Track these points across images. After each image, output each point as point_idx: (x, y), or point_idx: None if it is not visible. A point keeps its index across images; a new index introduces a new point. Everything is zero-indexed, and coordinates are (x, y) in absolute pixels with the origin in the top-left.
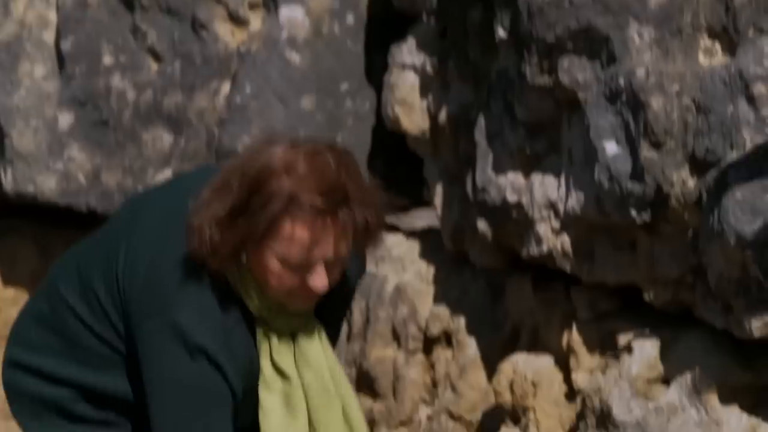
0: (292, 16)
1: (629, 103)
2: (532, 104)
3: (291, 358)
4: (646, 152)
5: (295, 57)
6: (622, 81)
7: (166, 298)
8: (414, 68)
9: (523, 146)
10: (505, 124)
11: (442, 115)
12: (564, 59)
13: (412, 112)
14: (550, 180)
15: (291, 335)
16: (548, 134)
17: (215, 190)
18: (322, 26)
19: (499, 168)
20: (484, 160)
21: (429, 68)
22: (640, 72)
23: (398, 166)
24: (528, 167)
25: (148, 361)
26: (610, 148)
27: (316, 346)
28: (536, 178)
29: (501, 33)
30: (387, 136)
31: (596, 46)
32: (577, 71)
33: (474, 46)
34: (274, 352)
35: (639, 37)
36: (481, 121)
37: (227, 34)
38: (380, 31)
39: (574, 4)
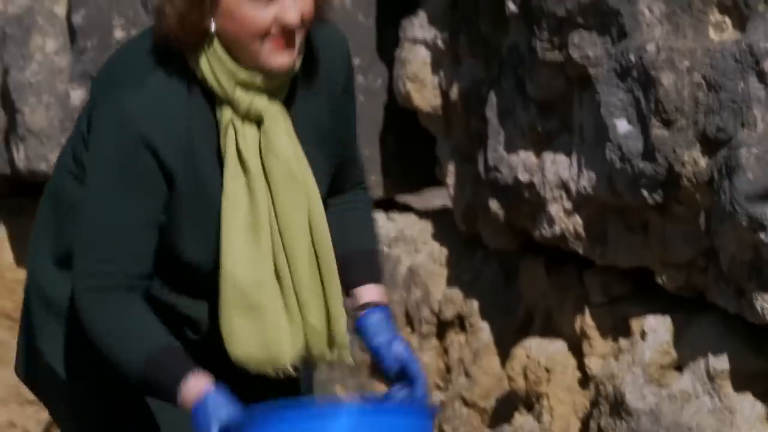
0: None
1: (640, 79)
2: (543, 81)
3: (256, 146)
4: (657, 130)
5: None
6: (632, 57)
7: (119, 82)
8: (425, 43)
9: (534, 124)
10: (517, 102)
11: (454, 92)
12: (574, 34)
13: (423, 88)
14: (561, 159)
15: (257, 124)
16: (560, 112)
17: None
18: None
19: (511, 146)
20: (496, 138)
21: (440, 43)
22: (651, 47)
23: (411, 144)
24: (540, 146)
25: (89, 145)
26: (621, 126)
27: (283, 135)
28: (548, 156)
29: (511, 7)
30: (399, 112)
31: (607, 20)
32: (587, 46)
33: (485, 20)
34: (239, 139)
35: (649, 11)
36: (493, 98)
37: None
38: (391, 5)
39: None
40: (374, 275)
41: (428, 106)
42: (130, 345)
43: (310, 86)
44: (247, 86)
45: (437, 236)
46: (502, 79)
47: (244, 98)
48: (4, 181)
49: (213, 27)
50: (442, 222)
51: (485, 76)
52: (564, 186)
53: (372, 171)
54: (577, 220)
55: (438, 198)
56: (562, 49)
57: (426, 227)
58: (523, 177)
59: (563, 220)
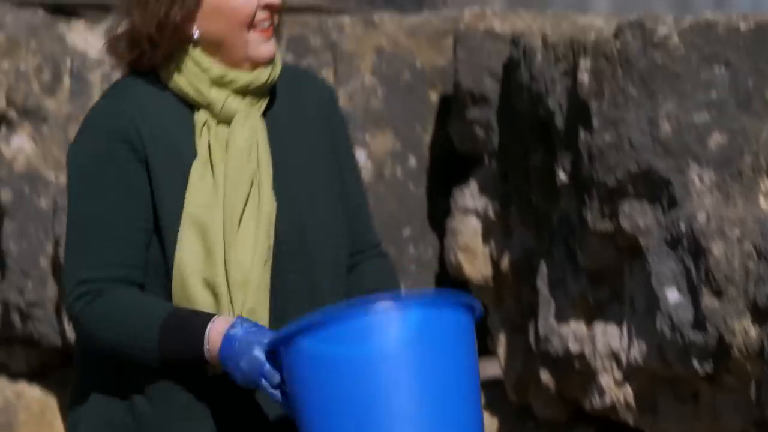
0: None
1: (690, 249)
2: (593, 251)
3: (224, 144)
4: (708, 300)
5: None
6: (683, 226)
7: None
8: (476, 213)
9: (585, 294)
10: (567, 272)
11: (505, 262)
12: (625, 204)
13: (474, 258)
14: (612, 329)
15: (229, 124)
16: (610, 282)
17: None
18: (384, 169)
19: (562, 317)
20: (547, 308)
21: (491, 213)
22: (701, 216)
23: None
24: (590, 316)
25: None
26: (672, 296)
27: (245, 131)
28: (598, 327)
29: (562, 176)
30: (450, 283)
31: (657, 189)
32: (638, 216)
33: (536, 190)
34: (212, 138)
35: (699, 180)
36: (543, 268)
37: None
38: (442, 174)
39: (634, 147)
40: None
41: (479, 277)
42: (137, 327)
43: (297, 105)
44: (221, 84)
45: (488, 407)
46: (553, 249)
47: (219, 97)
48: (56, 353)
49: (196, 32)
50: (493, 393)
51: (536, 246)
52: (615, 356)
53: None
54: (628, 391)
55: (489, 369)
56: (613, 219)
57: None
58: (574, 348)
59: (614, 390)
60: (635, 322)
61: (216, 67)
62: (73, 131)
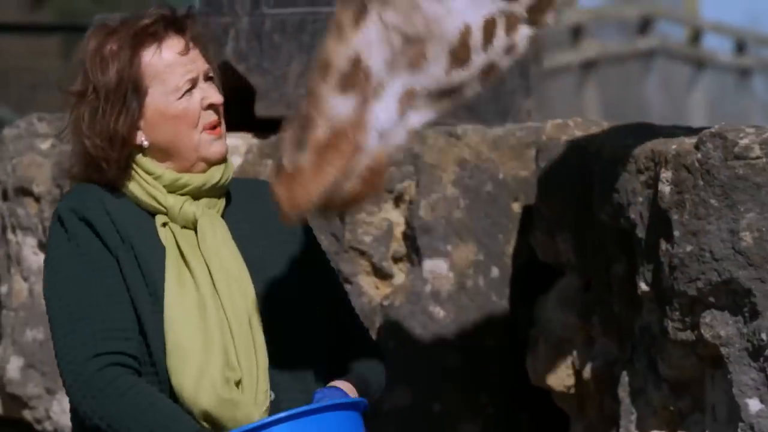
0: (435, 269)
1: None
2: (675, 361)
3: (195, 246)
4: None
5: (438, 311)
6: (764, 336)
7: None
8: (558, 323)
9: (666, 404)
10: (649, 381)
11: (587, 371)
12: (706, 314)
13: (557, 368)
14: None
15: (193, 226)
16: (692, 391)
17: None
18: (465, 280)
19: (643, 426)
20: (628, 418)
21: (574, 323)
22: None
23: (544, 424)
24: (672, 425)
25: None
26: (754, 405)
27: (218, 236)
28: None
29: (643, 286)
30: (532, 391)
31: (738, 300)
32: (719, 326)
33: (618, 300)
34: (179, 240)
35: None
36: (625, 378)
37: (371, 288)
38: (525, 284)
39: (715, 257)
40: (353, 378)
41: (562, 386)
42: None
43: (255, 207)
44: (175, 189)
45: None
46: (635, 358)
47: (176, 203)
48: None
49: (144, 141)
50: None
51: (618, 356)
52: None
53: None
54: None
55: None
56: (694, 329)
57: None
58: None
59: None
60: (717, 431)
61: (168, 173)
62: None
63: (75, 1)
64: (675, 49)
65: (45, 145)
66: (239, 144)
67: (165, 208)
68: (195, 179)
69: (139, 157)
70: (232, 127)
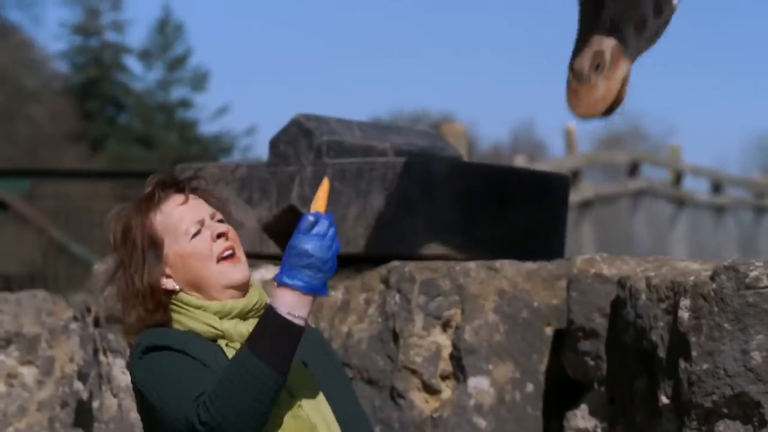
0: (478, 385)
1: None
2: None
3: None
4: None
5: (481, 422)
6: None
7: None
8: (586, 431)
9: None
10: None
11: None
12: (720, 423)
13: None
14: None
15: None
16: None
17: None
18: (505, 394)
19: None
20: None
21: (600, 431)
22: None
23: None
24: None
25: (142, 389)
26: None
27: None
28: None
29: (664, 399)
30: None
31: (749, 411)
32: None
33: (640, 411)
34: None
35: None
36: None
37: (422, 402)
38: (556, 398)
39: (729, 374)
40: None
41: None
42: (241, 376)
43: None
44: (224, 314)
45: None
46: None
47: (229, 325)
48: None
49: (174, 285)
50: None
51: None
52: None
53: None
54: None
55: None
56: None
57: None
58: None
59: None
60: None
61: (213, 303)
62: None
63: (128, 149)
64: (659, 189)
65: None
66: None
67: (221, 332)
68: (238, 303)
69: (181, 296)
70: None
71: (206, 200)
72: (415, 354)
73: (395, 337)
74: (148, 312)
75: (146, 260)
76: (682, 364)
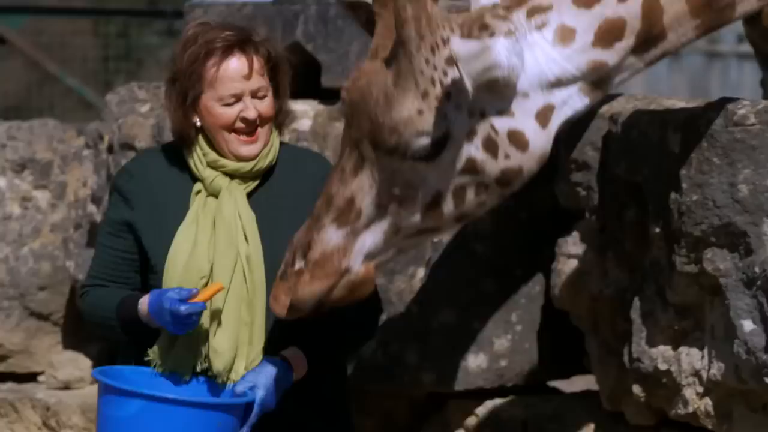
0: None
1: (763, 287)
2: (680, 289)
3: (212, 212)
4: None
5: (479, 247)
6: (757, 269)
7: None
8: (577, 257)
9: (672, 324)
10: (657, 305)
11: (602, 297)
12: (708, 251)
13: (575, 294)
14: (695, 352)
15: (217, 197)
16: (694, 314)
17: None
18: (501, 221)
19: (652, 342)
20: (639, 335)
21: (590, 257)
22: None
23: (563, 339)
24: (676, 341)
25: None
26: (747, 325)
27: (230, 203)
28: (683, 350)
29: (655, 229)
30: (554, 313)
31: (736, 240)
32: (719, 261)
33: (629, 239)
34: (199, 204)
35: None
36: (636, 303)
37: None
38: (549, 226)
39: (717, 205)
40: (302, 346)
41: (579, 309)
42: (108, 310)
43: (293, 180)
44: (213, 167)
45: (586, 413)
46: (645, 286)
47: (209, 175)
48: None
49: (198, 122)
50: (589, 401)
51: (629, 285)
52: (697, 374)
53: (531, 361)
54: (708, 402)
55: (585, 383)
56: (698, 263)
57: (574, 406)
58: (662, 366)
59: (696, 401)
60: (715, 347)
61: (212, 154)
62: None
63: None
64: None
65: (144, 108)
66: (308, 109)
67: (202, 177)
68: (228, 164)
69: (199, 137)
70: (302, 95)
71: (264, 73)
72: None
73: None
74: (179, 128)
75: (187, 94)
76: (673, 195)
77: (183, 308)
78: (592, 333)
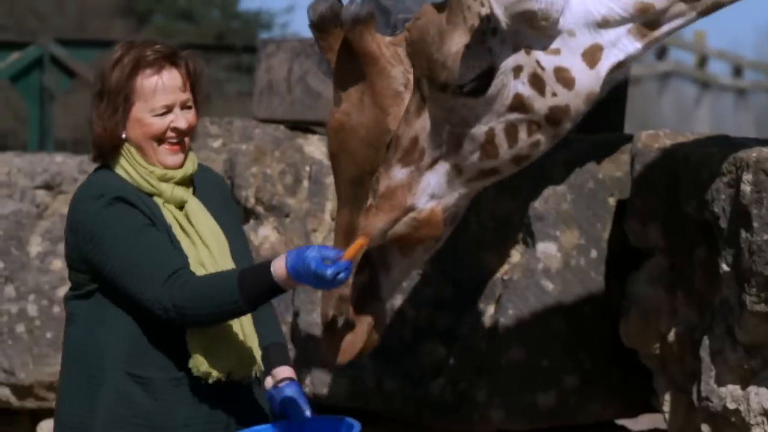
0: (546, 250)
1: None
2: (750, 328)
3: (186, 220)
4: None
5: (548, 284)
6: None
7: (84, 188)
8: (647, 296)
9: (741, 363)
10: (726, 344)
11: (671, 335)
12: None
13: (645, 332)
14: (764, 392)
15: (181, 206)
16: (763, 353)
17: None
18: (570, 259)
19: (721, 381)
20: (708, 374)
21: (660, 295)
22: None
23: (631, 377)
24: (746, 381)
25: (90, 231)
26: None
27: (203, 211)
28: (752, 389)
29: (724, 267)
30: (623, 351)
31: None
32: None
33: (699, 277)
34: (177, 216)
35: None
36: (705, 341)
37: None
38: (618, 264)
39: None
40: (287, 360)
41: (648, 347)
42: (222, 293)
43: (207, 185)
44: (165, 180)
45: None
46: (714, 325)
47: (167, 189)
48: None
49: (123, 134)
50: None
51: (698, 324)
52: (766, 414)
53: (599, 399)
54: None
55: (651, 422)
56: None
57: None
58: (731, 406)
59: None
60: None
61: (158, 169)
62: (311, 225)
63: (173, 23)
64: (685, 72)
65: (216, 144)
66: None
67: (159, 192)
68: (176, 173)
69: (128, 147)
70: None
71: (191, 86)
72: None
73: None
74: (102, 146)
75: (116, 107)
76: (743, 234)
77: (329, 271)
78: (661, 371)
